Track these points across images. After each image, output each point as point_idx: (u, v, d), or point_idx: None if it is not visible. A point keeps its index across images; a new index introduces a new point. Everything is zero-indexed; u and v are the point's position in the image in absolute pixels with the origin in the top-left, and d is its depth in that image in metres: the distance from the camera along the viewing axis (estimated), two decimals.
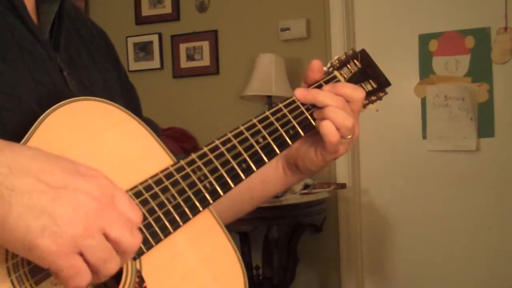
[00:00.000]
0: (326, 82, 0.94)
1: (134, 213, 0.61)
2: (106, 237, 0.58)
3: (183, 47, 3.57)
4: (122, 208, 0.60)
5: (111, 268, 0.59)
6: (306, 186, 3.08)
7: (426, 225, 3.25)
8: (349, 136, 0.88)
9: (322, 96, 0.88)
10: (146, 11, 3.63)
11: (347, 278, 3.34)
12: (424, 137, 3.25)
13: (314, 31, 3.34)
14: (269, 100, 3.18)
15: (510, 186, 3.10)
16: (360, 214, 3.38)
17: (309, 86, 0.94)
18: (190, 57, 3.57)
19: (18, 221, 0.54)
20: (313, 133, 0.91)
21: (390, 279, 3.37)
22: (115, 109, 0.75)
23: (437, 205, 3.23)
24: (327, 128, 0.87)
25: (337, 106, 0.87)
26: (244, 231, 3.00)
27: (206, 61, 3.53)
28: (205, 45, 3.52)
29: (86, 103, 0.73)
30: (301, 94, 0.90)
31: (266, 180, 0.98)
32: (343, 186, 3.17)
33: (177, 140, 3.34)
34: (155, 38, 3.62)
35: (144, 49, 3.64)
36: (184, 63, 3.58)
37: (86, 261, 0.57)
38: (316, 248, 3.37)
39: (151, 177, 0.73)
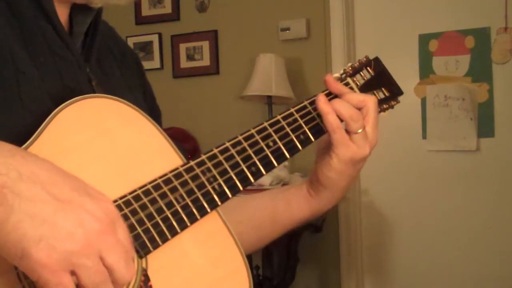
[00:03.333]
0: None
1: (131, 245, 0.61)
2: (102, 261, 0.57)
3: (183, 47, 3.56)
4: (121, 237, 0.59)
5: None
6: None
7: (426, 225, 3.25)
8: (360, 130, 0.86)
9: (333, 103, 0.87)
10: (146, 11, 3.63)
11: (347, 278, 3.34)
12: (424, 137, 3.25)
13: (314, 31, 3.34)
14: (269, 100, 3.18)
15: (510, 186, 3.10)
16: (360, 214, 3.38)
17: None
18: (190, 57, 3.56)
19: (16, 227, 0.53)
20: (328, 143, 0.89)
21: (390, 279, 3.37)
22: (127, 107, 0.76)
23: (437, 205, 3.22)
24: (326, 110, 0.85)
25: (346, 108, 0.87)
26: None
27: (206, 61, 3.52)
28: (205, 45, 3.51)
29: (98, 101, 0.73)
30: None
31: (291, 203, 0.95)
32: None
33: (177, 140, 3.33)
34: (155, 38, 3.62)
35: (144, 49, 3.64)
36: (184, 63, 3.57)
37: (78, 281, 0.56)
38: (316, 248, 3.37)
39: (161, 177, 0.73)
